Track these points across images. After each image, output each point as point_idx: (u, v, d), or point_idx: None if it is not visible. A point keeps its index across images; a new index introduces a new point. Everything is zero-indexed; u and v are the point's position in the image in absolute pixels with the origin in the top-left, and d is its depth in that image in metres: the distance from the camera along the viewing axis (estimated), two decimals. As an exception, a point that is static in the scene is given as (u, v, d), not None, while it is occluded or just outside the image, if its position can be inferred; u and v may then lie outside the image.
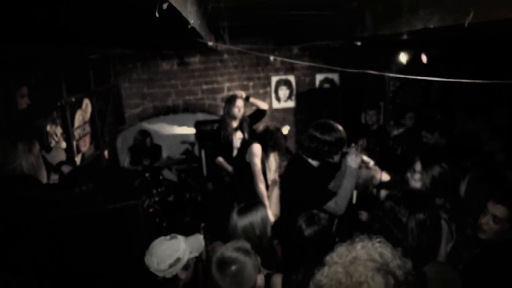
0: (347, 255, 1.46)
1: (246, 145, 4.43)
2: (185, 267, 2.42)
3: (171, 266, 2.35)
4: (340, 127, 3.30)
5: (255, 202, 2.77)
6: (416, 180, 3.02)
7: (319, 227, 2.46)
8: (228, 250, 2.02)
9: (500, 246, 2.43)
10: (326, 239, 2.45)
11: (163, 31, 2.65)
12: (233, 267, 1.93)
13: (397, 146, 5.30)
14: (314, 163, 3.31)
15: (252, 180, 4.22)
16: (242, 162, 4.35)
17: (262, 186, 4.16)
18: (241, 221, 2.57)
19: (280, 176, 4.27)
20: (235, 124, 5.08)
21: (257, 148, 4.26)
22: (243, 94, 5.24)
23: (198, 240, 2.59)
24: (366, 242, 1.50)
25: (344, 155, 3.31)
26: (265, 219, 2.62)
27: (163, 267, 2.34)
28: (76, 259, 3.12)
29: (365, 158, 3.42)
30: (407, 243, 1.92)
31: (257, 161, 4.20)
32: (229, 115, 5.04)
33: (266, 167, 4.43)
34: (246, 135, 4.99)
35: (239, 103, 5.04)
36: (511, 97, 5.68)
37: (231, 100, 5.10)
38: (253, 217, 2.58)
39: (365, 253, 1.45)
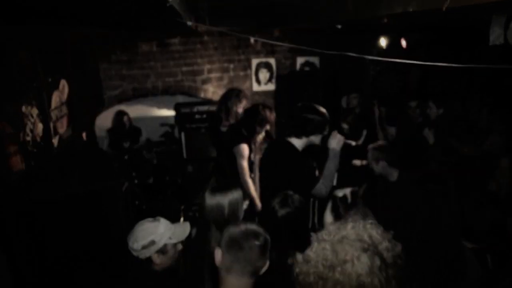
0: (336, 233, 1.48)
1: (233, 137, 4.32)
2: (161, 251, 2.38)
3: (144, 247, 2.32)
4: (323, 108, 3.34)
5: (229, 184, 2.73)
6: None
7: (292, 208, 2.45)
8: (252, 225, 1.98)
9: None
10: (300, 221, 2.46)
11: (142, 9, 2.60)
12: (261, 239, 1.91)
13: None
14: (299, 145, 3.32)
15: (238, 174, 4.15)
16: (230, 154, 4.26)
17: (248, 181, 4.08)
18: (209, 200, 2.55)
19: (260, 159, 4.21)
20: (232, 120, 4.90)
21: (243, 149, 4.13)
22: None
23: (183, 228, 2.55)
24: (357, 223, 1.52)
25: (326, 138, 3.34)
26: (234, 202, 2.57)
27: (136, 247, 2.32)
28: (55, 240, 3.10)
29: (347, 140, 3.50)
30: None
31: (243, 163, 4.10)
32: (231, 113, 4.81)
33: (252, 149, 4.35)
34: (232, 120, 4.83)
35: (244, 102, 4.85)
36: (486, 83, 5.79)
37: (238, 95, 4.87)
38: (222, 199, 2.54)
39: (354, 233, 1.46)
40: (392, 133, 4.90)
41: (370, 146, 3.82)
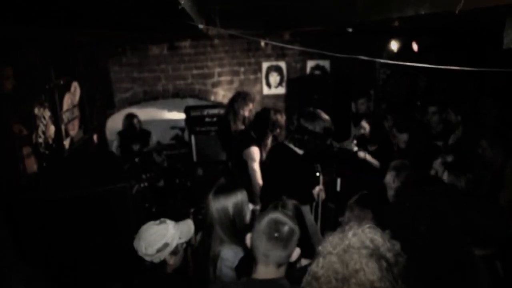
0: (339, 244, 1.48)
1: (243, 141, 4.32)
2: (174, 252, 2.41)
3: (158, 251, 2.34)
4: (327, 117, 3.30)
5: (232, 184, 2.72)
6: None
7: None
8: (279, 214, 1.97)
9: None
10: None
11: (153, 11, 2.62)
12: (286, 227, 1.89)
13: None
14: (299, 151, 3.31)
15: (250, 179, 4.14)
16: (240, 158, 4.25)
17: (261, 184, 3.99)
18: (213, 202, 2.53)
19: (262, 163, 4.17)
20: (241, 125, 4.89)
21: (254, 152, 4.11)
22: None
23: (187, 226, 2.57)
24: (356, 229, 1.51)
25: (331, 145, 3.32)
26: (239, 203, 2.56)
27: (150, 251, 2.33)
28: (64, 240, 3.12)
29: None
30: None
31: (255, 166, 4.07)
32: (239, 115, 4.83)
33: (262, 153, 4.34)
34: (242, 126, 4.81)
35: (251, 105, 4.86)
36: (498, 87, 5.73)
37: (245, 98, 4.89)
38: (225, 201, 2.53)
39: (357, 241, 1.46)
40: (404, 139, 4.81)
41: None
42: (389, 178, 3.50)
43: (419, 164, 3.74)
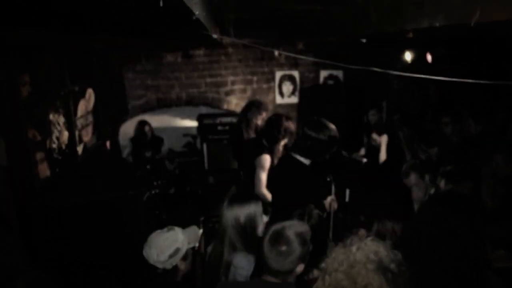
0: (344, 260, 1.47)
1: (255, 149, 4.30)
2: (184, 258, 2.43)
3: (171, 256, 2.35)
4: (333, 126, 3.28)
5: (248, 195, 2.72)
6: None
7: (310, 224, 2.40)
8: (290, 230, 1.98)
9: None
10: (318, 239, 2.41)
11: (168, 21, 2.64)
12: (283, 248, 1.92)
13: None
14: (306, 161, 3.29)
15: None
16: (252, 166, 4.23)
17: (265, 193, 3.90)
18: (226, 211, 2.54)
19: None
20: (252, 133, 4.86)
21: (265, 160, 4.04)
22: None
23: (195, 231, 2.60)
24: (359, 243, 1.50)
25: (336, 153, 3.30)
26: (252, 216, 2.55)
27: (163, 258, 2.34)
28: (75, 245, 3.13)
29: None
30: None
31: (262, 175, 4.00)
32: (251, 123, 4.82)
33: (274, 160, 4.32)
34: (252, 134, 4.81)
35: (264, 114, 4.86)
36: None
37: (258, 107, 4.89)
38: (239, 210, 2.53)
39: (362, 255, 1.46)
40: (434, 153, 4.74)
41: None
42: (414, 178, 3.46)
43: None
